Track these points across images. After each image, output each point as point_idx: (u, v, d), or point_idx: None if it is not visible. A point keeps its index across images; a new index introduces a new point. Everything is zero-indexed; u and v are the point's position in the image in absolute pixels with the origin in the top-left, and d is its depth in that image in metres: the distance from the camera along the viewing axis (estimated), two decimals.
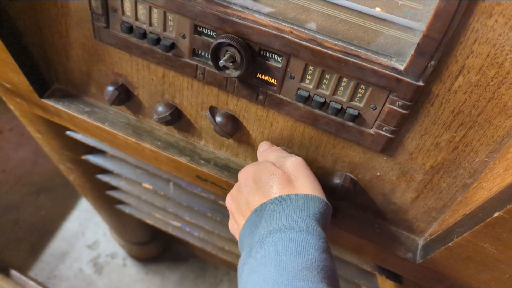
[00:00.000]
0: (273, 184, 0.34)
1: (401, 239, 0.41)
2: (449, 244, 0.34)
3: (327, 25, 0.31)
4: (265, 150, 0.39)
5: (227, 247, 0.72)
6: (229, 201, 0.38)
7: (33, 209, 1.30)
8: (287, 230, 0.30)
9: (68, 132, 0.59)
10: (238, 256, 0.75)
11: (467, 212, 0.33)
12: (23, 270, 1.17)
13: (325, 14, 0.30)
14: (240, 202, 0.36)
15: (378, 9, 0.28)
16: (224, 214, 0.59)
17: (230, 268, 1.20)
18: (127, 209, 0.83)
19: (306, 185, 0.34)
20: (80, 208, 1.31)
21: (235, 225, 0.37)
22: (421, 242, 0.41)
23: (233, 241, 0.69)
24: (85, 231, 1.27)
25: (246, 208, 0.35)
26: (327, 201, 0.33)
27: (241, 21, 0.32)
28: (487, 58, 0.27)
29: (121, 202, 0.82)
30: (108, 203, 0.84)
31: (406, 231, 0.41)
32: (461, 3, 0.25)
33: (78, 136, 0.58)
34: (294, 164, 0.35)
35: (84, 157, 0.65)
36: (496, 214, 0.28)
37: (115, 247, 1.24)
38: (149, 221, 0.82)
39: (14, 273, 1.14)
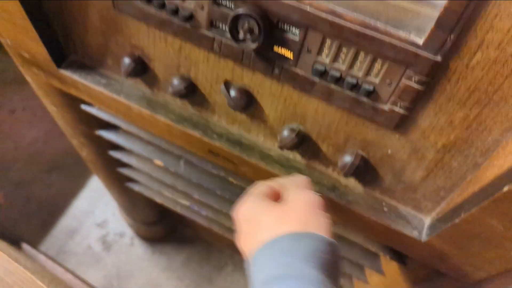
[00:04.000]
0: (268, 225, 0.31)
1: (408, 218, 0.41)
2: (456, 221, 0.34)
3: None
4: (291, 179, 0.37)
5: (234, 226, 0.73)
6: (236, 240, 0.37)
7: (45, 187, 1.33)
8: (278, 281, 0.27)
9: (83, 106, 0.60)
10: None
11: (476, 190, 0.33)
12: (34, 244, 1.20)
13: None
14: (241, 245, 0.34)
15: None
16: (232, 192, 0.60)
17: (234, 251, 1.22)
18: (136, 187, 0.84)
19: (302, 221, 0.30)
20: (90, 187, 1.34)
21: None
22: (428, 221, 0.41)
23: None
24: (94, 210, 1.30)
25: (246, 255, 0.33)
26: (323, 236, 0.29)
27: None
28: (507, 34, 0.27)
29: (131, 180, 0.83)
30: (118, 180, 0.86)
31: (413, 210, 0.42)
32: None
33: (93, 110, 0.59)
34: (301, 198, 0.32)
35: (98, 132, 0.66)
36: (506, 189, 0.28)
37: (124, 227, 1.26)
38: (158, 200, 0.83)
39: (25, 246, 1.17)
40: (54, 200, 1.30)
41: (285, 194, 0.35)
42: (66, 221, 1.27)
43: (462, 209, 0.34)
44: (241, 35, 0.33)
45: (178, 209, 0.81)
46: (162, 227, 1.18)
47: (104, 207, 1.30)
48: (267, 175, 0.44)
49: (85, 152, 0.75)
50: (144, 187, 0.83)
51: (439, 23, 0.28)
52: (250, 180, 0.54)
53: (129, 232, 1.25)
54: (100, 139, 0.68)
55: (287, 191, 0.35)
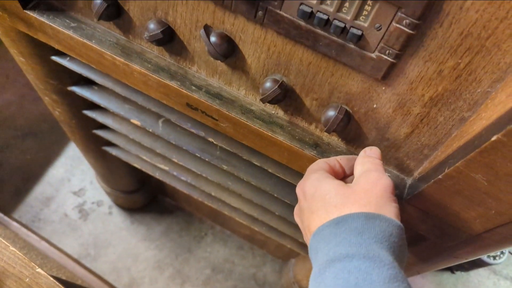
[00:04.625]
0: (332, 202, 0.30)
1: (390, 178, 0.40)
2: (439, 177, 0.33)
3: None
4: (365, 157, 0.34)
5: (213, 192, 0.71)
6: (296, 215, 0.36)
7: (18, 153, 1.27)
8: (345, 260, 0.26)
9: (53, 57, 0.55)
10: (224, 203, 0.75)
11: (461, 144, 0.32)
12: (7, 212, 1.16)
13: None
14: (303, 221, 0.34)
15: None
16: (212, 155, 0.58)
17: (215, 222, 1.21)
18: (114, 151, 0.81)
19: (372, 203, 0.29)
20: (66, 155, 1.29)
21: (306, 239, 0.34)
22: (409, 181, 0.40)
23: (220, 186, 0.69)
24: (71, 177, 1.26)
25: (307, 231, 0.33)
26: (395, 220, 0.29)
27: None
28: None
29: (108, 143, 0.80)
30: (94, 144, 0.82)
31: (395, 170, 0.41)
32: None
33: (64, 62, 0.55)
34: (371, 180, 0.31)
35: (70, 88, 0.62)
36: (494, 138, 0.27)
37: (102, 195, 1.23)
38: (136, 165, 0.80)
39: None
40: (29, 167, 1.25)
41: (356, 173, 0.33)
42: (41, 188, 1.23)
43: (446, 164, 0.33)
44: None
45: (157, 175, 0.79)
46: (141, 196, 1.15)
47: (81, 175, 1.26)
48: (248, 132, 0.43)
49: (57, 112, 0.71)
50: (122, 151, 0.80)
51: None
52: (230, 140, 0.52)
53: (107, 201, 1.22)
54: (74, 97, 0.64)
55: (358, 171, 0.33)
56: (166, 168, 0.73)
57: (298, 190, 0.35)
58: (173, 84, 0.42)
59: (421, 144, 0.37)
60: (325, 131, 0.38)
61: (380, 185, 0.31)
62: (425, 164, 0.38)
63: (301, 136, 0.42)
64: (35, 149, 1.28)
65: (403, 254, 0.29)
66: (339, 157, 0.37)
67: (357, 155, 0.41)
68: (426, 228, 0.41)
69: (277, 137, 0.41)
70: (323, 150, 0.41)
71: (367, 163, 0.34)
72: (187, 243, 1.20)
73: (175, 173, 0.73)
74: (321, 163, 0.36)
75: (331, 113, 0.38)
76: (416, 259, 0.49)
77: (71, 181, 1.25)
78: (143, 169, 0.80)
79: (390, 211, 0.30)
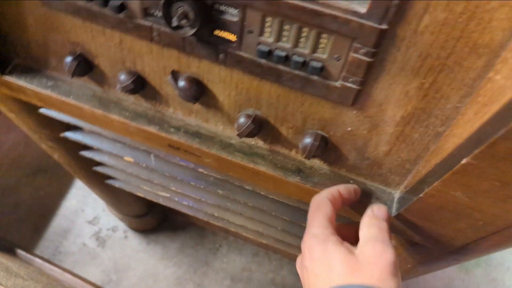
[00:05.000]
0: (336, 269, 0.31)
1: (377, 193, 0.40)
2: (421, 195, 0.33)
3: None
4: (372, 218, 0.34)
5: (216, 213, 0.72)
6: (298, 267, 0.37)
7: (31, 190, 1.31)
8: None
9: (41, 110, 0.57)
10: (228, 221, 0.76)
11: (438, 162, 0.32)
12: (29, 249, 1.20)
13: None
14: (304, 278, 0.34)
15: None
16: (207, 181, 0.59)
17: (227, 233, 1.22)
18: (117, 184, 0.83)
19: (375, 277, 0.29)
20: (77, 186, 1.32)
21: None
22: (397, 195, 0.40)
23: (221, 207, 0.70)
24: (84, 207, 1.29)
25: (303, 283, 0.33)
26: None
27: None
28: None
29: (109, 177, 0.82)
30: (97, 179, 0.84)
31: (382, 185, 0.41)
32: None
33: (52, 113, 0.56)
34: (376, 253, 0.31)
35: (63, 134, 0.63)
36: (464, 161, 0.26)
37: (115, 221, 1.26)
38: (140, 194, 0.82)
39: (20, 252, 1.17)
40: (43, 202, 1.29)
41: (362, 236, 0.33)
42: (58, 222, 1.26)
43: (425, 183, 0.33)
44: (174, 22, 0.31)
45: (161, 201, 0.80)
46: (153, 218, 1.17)
47: (93, 204, 1.29)
48: (231, 165, 0.43)
49: (56, 156, 0.73)
50: (124, 183, 0.82)
51: None
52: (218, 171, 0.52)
53: (121, 225, 1.25)
54: (68, 141, 0.65)
55: (364, 235, 0.33)
56: (167, 195, 0.74)
57: (304, 246, 0.35)
58: (152, 129, 0.43)
59: (402, 160, 0.37)
60: (305, 158, 0.38)
61: (385, 259, 0.31)
62: (409, 178, 0.38)
63: (283, 163, 0.42)
64: (46, 185, 1.31)
65: None
66: (343, 188, 0.37)
67: (344, 175, 0.41)
68: (421, 238, 0.41)
69: (259, 168, 0.41)
70: (307, 175, 0.41)
71: (374, 227, 0.33)
72: (203, 256, 1.21)
73: (176, 199, 0.74)
74: (326, 206, 0.35)
75: (307, 140, 0.38)
76: (416, 262, 0.48)
77: (85, 211, 1.28)
78: (147, 197, 0.82)
79: (391, 286, 0.30)
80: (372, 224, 0.34)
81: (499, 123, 0.24)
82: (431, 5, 0.25)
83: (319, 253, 0.33)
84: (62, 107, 0.46)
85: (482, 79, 0.28)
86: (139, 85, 0.41)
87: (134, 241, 1.24)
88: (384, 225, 0.34)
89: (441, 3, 0.25)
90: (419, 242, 0.42)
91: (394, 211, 0.39)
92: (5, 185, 1.30)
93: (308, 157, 0.38)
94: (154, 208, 1.14)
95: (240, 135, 0.39)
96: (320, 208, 0.36)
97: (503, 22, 0.25)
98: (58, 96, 0.44)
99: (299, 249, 0.79)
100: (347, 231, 0.38)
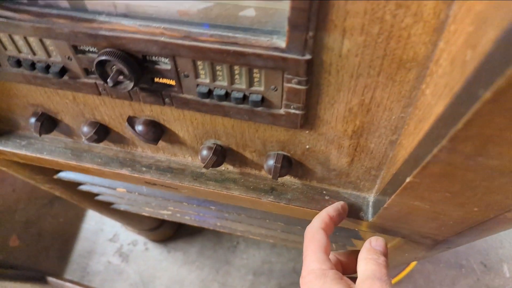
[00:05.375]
0: None
1: (351, 199, 0.40)
2: (385, 206, 0.33)
3: (201, 13, 0.28)
4: (369, 251, 0.34)
5: (219, 223, 0.74)
6: None
7: (51, 219, 1.37)
8: None
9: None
10: (233, 229, 0.78)
11: (394, 172, 0.31)
12: (58, 275, 1.27)
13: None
14: None
15: None
16: (198, 200, 0.60)
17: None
18: (121, 207, 0.86)
19: None
20: None
21: None
22: (371, 198, 0.40)
23: (220, 218, 0.71)
24: (102, 227, 1.34)
25: None
26: None
27: (111, 34, 0.29)
28: (365, 16, 0.24)
29: (113, 203, 0.84)
30: (103, 206, 0.87)
31: (355, 191, 0.41)
32: None
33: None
34: None
35: (56, 176, 0.66)
36: (408, 180, 0.26)
37: (134, 235, 1.30)
38: (145, 213, 0.84)
39: (51, 279, 1.24)
40: (64, 228, 1.35)
41: (360, 272, 0.33)
42: (81, 244, 1.32)
43: (387, 194, 0.33)
44: (110, 83, 0.31)
45: (166, 218, 0.83)
46: (168, 227, 1.21)
47: (111, 222, 1.34)
48: (207, 193, 0.44)
49: (58, 193, 0.76)
50: (128, 206, 0.84)
51: (292, 24, 0.25)
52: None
53: (141, 238, 1.30)
54: (62, 180, 0.68)
55: (361, 271, 0.33)
56: (169, 213, 0.76)
57: (302, 282, 0.34)
58: (125, 171, 0.44)
59: (366, 167, 0.37)
60: (272, 179, 0.39)
61: None
62: (378, 182, 0.38)
63: (255, 184, 0.42)
64: (64, 211, 1.37)
65: None
66: (332, 210, 0.37)
67: (316, 186, 0.41)
68: (405, 234, 0.41)
69: (233, 192, 0.42)
70: (280, 192, 0.42)
71: (372, 263, 0.32)
72: (223, 255, 1.25)
73: (178, 215, 0.76)
74: (320, 236, 0.34)
75: (270, 162, 0.38)
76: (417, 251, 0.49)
77: (104, 230, 1.33)
78: (152, 216, 0.84)
79: None
80: (369, 260, 0.33)
81: (428, 145, 0.23)
82: (347, 31, 0.25)
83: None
84: (40, 162, 0.48)
85: (418, 90, 0.27)
86: (103, 133, 0.42)
87: (155, 251, 1.29)
88: (382, 260, 0.33)
89: (356, 28, 0.25)
90: (405, 237, 0.42)
91: (370, 216, 0.39)
92: (27, 218, 1.36)
93: (274, 178, 0.38)
94: (166, 220, 1.17)
95: (205, 167, 0.39)
96: (314, 239, 0.35)
97: (422, 37, 0.24)
98: (32, 154, 0.46)
99: None
100: (346, 259, 0.38)
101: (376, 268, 0.32)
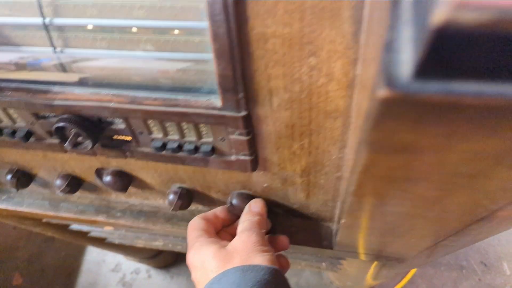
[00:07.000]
0: (209, 266, 0.33)
1: (317, 229, 0.42)
2: (338, 234, 0.35)
3: (149, 78, 0.30)
4: (247, 214, 0.38)
5: None
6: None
7: (53, 253, 1.38)
8: None
9: None
10: None
11: (340, 208, 0.33)
12: None
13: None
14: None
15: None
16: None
17: None
18: (116, 241, 0.87)
19: (244, 258, 0.32)
20: None
21: None
22: (334, 227, 0.42)
23: None
24: (104, 258, 1.35)
25: None
26: (272, 266, 0.32)
27: (65, 103, 0.32)
28: (285, 78, 0.26)
29: (106, 238, 0.86)
30: (98, 241, 0.89)
31: (319, 221, 0.42)
32: (232, 37, 0.24)
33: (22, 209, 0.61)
34: (242, 240, 0.34)
35: (44, 220, 0.68)
36: (343, 221, 0.28)
37: (136, 264, 1.32)
38: (139, 245, 0.86)
39: None
40: (66, 262, 1.36)
41: (238, 232, 0.36)
42: (84, 277, 1.33)
43: (339, 223, 0.34)
44: (68, 146, 0.33)
45: (160, 247, 0.84)
46: (169, 253, 1.22)
47: (112, 253, 1.35)
48: (180, 232, 0.46)
49: (50, 234, 0.78)
50: (121, 240, 0.86)
51: (222, 88, 0.27)
52: None
53: (143, 266, 1.31)
54: (51, 223, 0.70)
55: (238, 230, 0.36)
56: (161, 243, 0.78)
57: (187, 263, 0.38)
58: (100, 218, 0.46)
59: (322, 200, 0.38)
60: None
61: (250, 242, 0.34)
62: (336, 212, 0.40)
63: None
64: (65, 245, 1.39)
65: None
66: (219, 209, 0.40)
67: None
68: (386, 254, 0.42)
69: None
70: None
71: (246, 222, 0.37)
72: None
73: (170, 245, 0.78)
74: (198, 222, 0.38)
75: (234, 201, 0.40)
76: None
77: (106, 261, 1.35)
78: (147, 246, 0.86)
79: (262, 260, 0.32)
80: (245, 220, 0.37)
81: (350, 191, 0.25)
82: (273, 90, 0.27)
83: (195, 262, 0.35)
84: (21, 215, 0.50)
85: (347, 134, 0.29)
86: (76, 184, 0.44)
87: (158, 278, 1.30)
88: (256, 218, 0.37)
89: (280, 87, 0.27)
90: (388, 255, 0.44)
91: (334, 245, 0.41)
92: (29, 254, 1.38)
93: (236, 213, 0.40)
94: None
95: (174, 210, 0.41)
96: (192, 226, 0.39)
97: (338, 92, 0.26)
98: (13, 207, 0.48)
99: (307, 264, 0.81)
100: (226, 216, 0.41)
101: (248, 224, 0.36)
